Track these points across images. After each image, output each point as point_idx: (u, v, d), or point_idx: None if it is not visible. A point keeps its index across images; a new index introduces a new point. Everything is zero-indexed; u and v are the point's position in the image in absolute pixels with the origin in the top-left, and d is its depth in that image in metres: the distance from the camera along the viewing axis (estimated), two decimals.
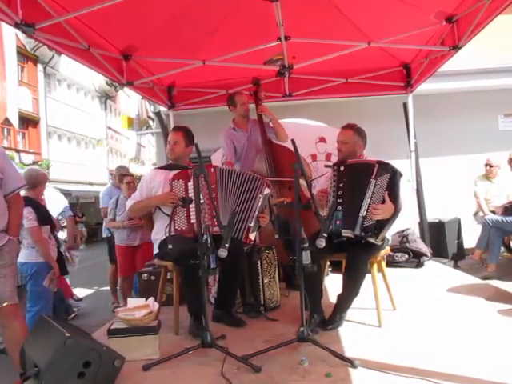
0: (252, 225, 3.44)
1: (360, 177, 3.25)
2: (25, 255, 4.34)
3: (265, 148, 4.69)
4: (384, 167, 3.20)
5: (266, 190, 3.52)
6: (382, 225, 3.15)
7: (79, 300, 6.84)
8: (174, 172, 3.47)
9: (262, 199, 3.47)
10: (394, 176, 3.19)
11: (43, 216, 4.42)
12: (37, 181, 4.53)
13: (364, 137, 3.54)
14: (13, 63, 16.76)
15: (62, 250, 4.96)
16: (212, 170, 3.45)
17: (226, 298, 3.52)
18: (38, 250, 4.29)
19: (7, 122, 17.93)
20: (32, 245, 4.31)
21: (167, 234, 3.13)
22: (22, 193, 4.47)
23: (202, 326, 2.82)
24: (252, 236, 3.50)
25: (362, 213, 3.14)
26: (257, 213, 3.46)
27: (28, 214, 4.23)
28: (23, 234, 4.32)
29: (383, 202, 3.14)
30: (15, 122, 18.06)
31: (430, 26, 4.50)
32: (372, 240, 3.16)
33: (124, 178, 5.66)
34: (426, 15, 4.32)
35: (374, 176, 3.17)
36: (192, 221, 3.27)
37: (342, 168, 3.35)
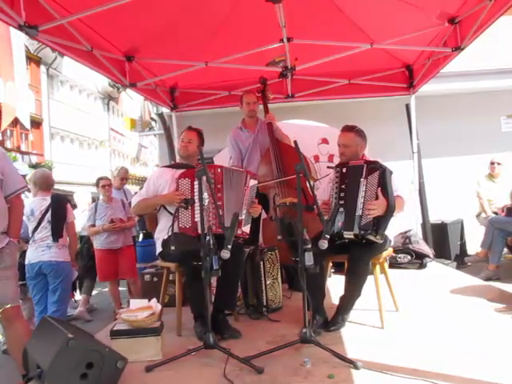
0: (243, 217, 3.43)
1: (354, 178, 3.28)
2: (60, 254, 4.39)
3: (273, 148, 4.67)
4: (373, 166, 3.23)
5: (253, 181, 3.53)
6: (379, 221, 3.15)
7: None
8: (181, 171, 3.47)
9: (249, 191, 3.48)
10: (384, 173, 3.19)
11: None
12: (53, 181, 4.64)
13: (365, 137, 3.54)
14: (21, 65, 16.82)
15: None
16: (219, 170, 3.42)
17: (225, 297, 3.39)
18: (69, 247, 4.35)
19: (11, 123, 17.97)
20: (65, 243, 4.36)
21: (170, 233, 3.13)
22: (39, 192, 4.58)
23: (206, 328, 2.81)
24: (246, 229, 3.48)
25: (358, 212, 3.16)
26: (246, 205, 3.46)
27: (70, 209, 4.40)
28: None
29: (376, 198, 3.15)
30: (27, 123, 18.15)
31: (432, 27, 4.50)
32: (372, 238, 3.14)
33: (100, 182, 5.53)
34: (429, 16, 4.32)
35: (364, 176, 3.21)
36: (196, 219, 3.24)
37: (344, 170, 3.35)
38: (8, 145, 19.35)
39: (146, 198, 3.57)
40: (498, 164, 6.45)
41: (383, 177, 3.19)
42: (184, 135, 3.71)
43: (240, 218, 3.39)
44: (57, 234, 4.46)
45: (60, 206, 4.49)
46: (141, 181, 26.69)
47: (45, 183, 4.55)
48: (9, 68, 15.82)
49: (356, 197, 3.20)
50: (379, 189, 3.15)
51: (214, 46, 4.93)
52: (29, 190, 4.63)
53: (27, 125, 18.46)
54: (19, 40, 16.11)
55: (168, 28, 4.40)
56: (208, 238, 2.69)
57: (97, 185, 5.59)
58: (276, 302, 3.84)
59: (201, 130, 3.75)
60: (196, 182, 3.25)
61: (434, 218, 7.07)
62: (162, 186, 3.53)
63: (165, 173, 3.62)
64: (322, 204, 3.38)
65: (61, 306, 4.37)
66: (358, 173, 3.25)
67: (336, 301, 3.39)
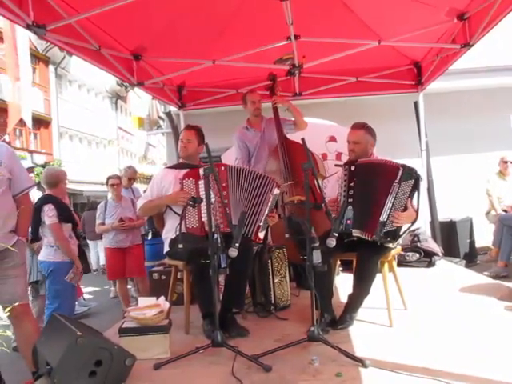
0: (261, 224, 3.43)
1: (379, 178, 3.20)
2: (44, 253, 4.40)
3: (280, 145, 4.64)
4: (409, 172, 3.11)
5: (276, 191, 3.51)
6: (400, 230, 3.13)
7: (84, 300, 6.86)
8: (185, 171, 3.46)
9: (271, 199, 3.46)
10: (417, 182, 3.13)
11: (65, 214, 4.47)
12: (58, 179, 4.59)
13: (374, 135, 3.51)
14: (26, 65, 16.96)
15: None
16: (223, 168, 3.43)
17: (233, 296, 3.38)
18: (59, 248, 4.33)
19: (19, 122, 18.08)
20: (51, 243, 4.35)
21: (177, 233, 3.13)
22: (42, 192, 4.56)
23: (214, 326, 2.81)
24: (261, 235, 3.48)
25: (383, 217, 3.09)
26: (267, 212, 3.45)
27: (49, 211, 4.29)
28: (44, 231, 4.38)
29: (405, 208, 3.11)
30: (29, 122, 18.24)
31: (441, 23, 4.46)
32: (389, 245, 3.14)
33: (109, 181, 5.56)
34: (437, 13, 4.29)
35: (398, 180, 3.09)
36: (203, 219, 3.25)
37: (352, 167, 3.33)
38: (17, 144, 19.47)
39: (150, 200, 3.56)
40: (511, 163, 6.42)
41: (417, 186, 3.12)
42: (182, 135, 3.68)
43: (259, 224, 3.40)
44: (32, 236, 4.45)
45: (36, 208, 4.33)
46: (148, 179, 26.75)
47: (46, 182, 4.55)
48: (15, 68, 15.94)
49: (380, 198, 3.10)
50: (409, 199, 3.11)
51: (221, 45, 4.92)
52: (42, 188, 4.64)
53: (29, 124, 18.55)
54: (24, 40, 16.23)
55: (175, 27, 4.41)
56: (216, 236, 2.69)
57: (106, 183, 5.63)
58: (284, 300, 3.84)
59: (199, 127, 3.71)
60: (201, 182, 3.26)
61: (443, 216, 7.02)
62: (166, 187, 3.53)
63: (168, 174, 3.61)
64: (329, 202, 3.38)
65: (51, 304, 4.33)
66: (391, 175, 3.12)
67: (344, 299, 3.39)
